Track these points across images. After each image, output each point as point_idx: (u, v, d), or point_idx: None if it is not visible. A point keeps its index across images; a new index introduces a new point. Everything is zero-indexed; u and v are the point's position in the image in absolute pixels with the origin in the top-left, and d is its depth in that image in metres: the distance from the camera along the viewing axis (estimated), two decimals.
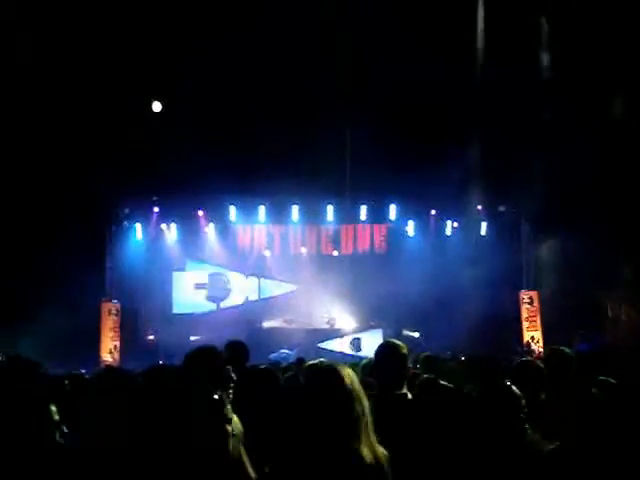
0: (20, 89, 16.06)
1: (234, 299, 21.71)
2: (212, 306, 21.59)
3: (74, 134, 16.87)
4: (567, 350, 5.47)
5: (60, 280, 16.75)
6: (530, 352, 18.22)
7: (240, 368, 5.00)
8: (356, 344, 20.81)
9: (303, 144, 18.20)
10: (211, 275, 21.77)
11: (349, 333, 20.96)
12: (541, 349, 18.77)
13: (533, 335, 19.61)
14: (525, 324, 19.99)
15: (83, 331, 18.04)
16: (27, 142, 16.69)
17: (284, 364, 10.63)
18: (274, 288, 21.84)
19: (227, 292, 21.77)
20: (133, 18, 16.35)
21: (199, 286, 21.60)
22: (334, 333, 20.85)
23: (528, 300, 20.10)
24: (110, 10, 16.01)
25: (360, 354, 19.27)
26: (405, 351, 4.52)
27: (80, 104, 16.48)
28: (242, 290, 21.82)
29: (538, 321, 19.89)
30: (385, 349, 4.60)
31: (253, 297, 21.76)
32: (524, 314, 20.07)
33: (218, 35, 16.60)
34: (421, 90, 16.65)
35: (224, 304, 21.62)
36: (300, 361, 9.80)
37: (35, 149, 16.81)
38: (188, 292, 21.53)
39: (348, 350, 20.56)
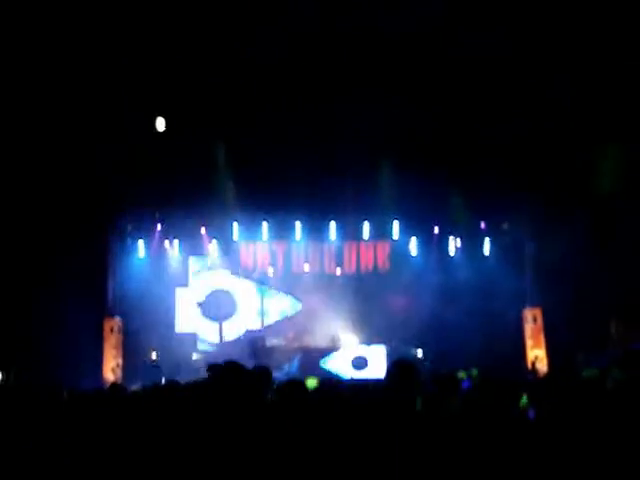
0: (24, 99, 16.11)
1: (237, 317, 21.63)
2: (214, 324, 21.48)
3: (77, 150, 16.90)
4: None
5: (62, 297, 16.72)
6: (535, 371, 18.13)
7: None
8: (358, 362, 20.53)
9: (306, 161, 18.23)
10: (210, 294, 21.64)
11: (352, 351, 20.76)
12: (545, 368, 18.68)
13: (537, 354, 19.49)
14: (529, 342, 19.85)
15: (86, 348, 18.01)
16: (29, 157, 16.72)
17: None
18: (277, 305, 21.78)
19: (229, 310, 21.65)
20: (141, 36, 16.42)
21: (201, 304, 21.48)
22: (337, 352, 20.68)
23: (532, 318, 19.97)
24: (119, 27, 16.08)
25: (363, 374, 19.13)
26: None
27: (82, 120, 16.51)
28: (245, 308, 21.75)
29: (542, 339, 19.76)
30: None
31: (255, 314, 21.70)
32: (528, 332, 19.94)
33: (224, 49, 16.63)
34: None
35: (226, 323, 21.52)
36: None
37: (37, 164, 16.84)
38: (191, 310, 21.43)
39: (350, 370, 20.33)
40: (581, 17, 14.66)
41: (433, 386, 5.25)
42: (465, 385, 7.33)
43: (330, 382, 4.71)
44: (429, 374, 10.64)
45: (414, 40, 16.15)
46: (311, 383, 5.79)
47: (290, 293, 21.64)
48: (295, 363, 18.96)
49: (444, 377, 5.15)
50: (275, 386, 6.72)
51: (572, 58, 15.47)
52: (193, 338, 20.95)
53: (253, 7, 15.52)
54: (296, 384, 3.37)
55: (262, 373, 4.93)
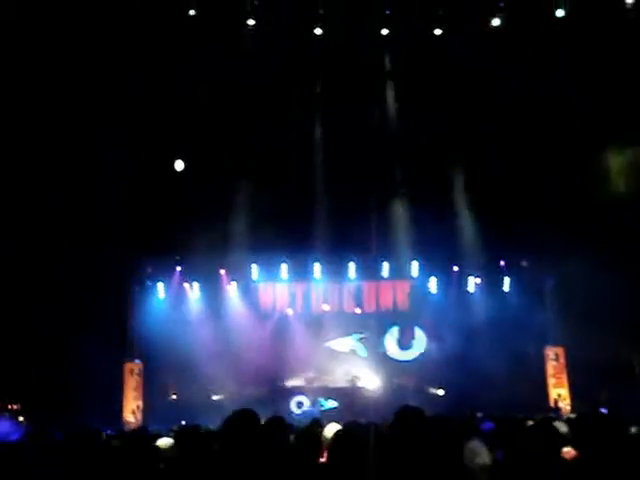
0: (47, 147, 16.39)
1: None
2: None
3: (97, 193, 17.09)
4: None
5: (83, 340, 16.77)
6: (558, 409, 17.91)
7: None
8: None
9: (325, 202, 18.35)
10: None
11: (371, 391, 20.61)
12: (568, 407, 18.45)
13: (560, 392, 19.24)
14: (551, 381, 19.60)
15: (106, 391, 18.02)
16: (51, 201, 16.93)
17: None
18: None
19: None
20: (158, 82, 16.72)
21: None
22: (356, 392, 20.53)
23: (554, 356, 19.73)
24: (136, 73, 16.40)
25: None
26: None
27: (101, 162, 16.73)
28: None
29: (564, 378, 19.51)
30: None
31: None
32: (550, 371, 19.69)
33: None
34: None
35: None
36: (315, 422, 9.16)
37: (58, 209, 17.03)
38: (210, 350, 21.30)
39: None
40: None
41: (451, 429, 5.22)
42: (487, 427, 7.26)
43: (352, 429, 4.68)
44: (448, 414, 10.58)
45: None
46: (333, 428, 5.74)
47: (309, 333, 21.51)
48: (317, 406, 18.82)
49: (462, 420, 5.13)
50: (295, 429, 6.70)
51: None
52: (212, 379, 20.78)
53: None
54: (313, 435, 3.33)
55: (277, 423, 4.92)
